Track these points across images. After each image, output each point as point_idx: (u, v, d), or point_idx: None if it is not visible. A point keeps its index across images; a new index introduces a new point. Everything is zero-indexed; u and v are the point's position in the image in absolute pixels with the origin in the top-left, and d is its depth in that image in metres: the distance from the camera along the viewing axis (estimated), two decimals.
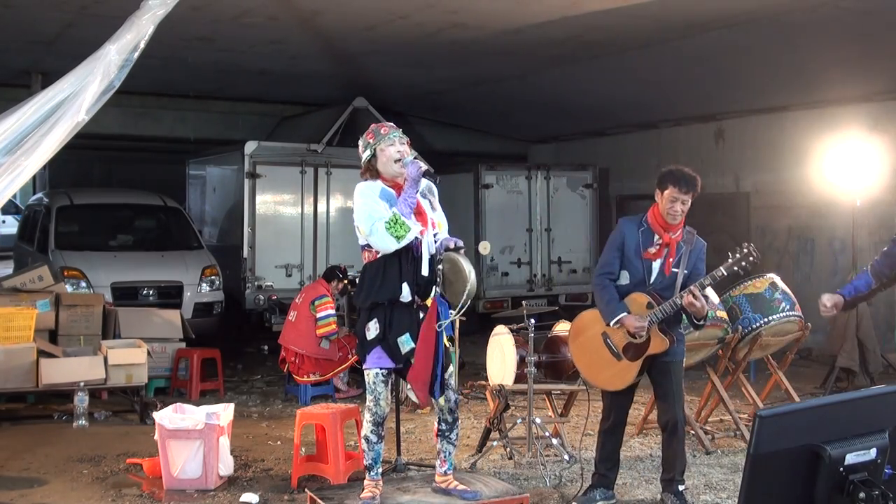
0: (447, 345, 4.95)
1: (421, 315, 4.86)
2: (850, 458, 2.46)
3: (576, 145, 15.42)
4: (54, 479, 6.09)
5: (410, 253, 4.81)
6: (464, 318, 5.20)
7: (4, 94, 10.49)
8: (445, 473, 5.11)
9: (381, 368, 4.88)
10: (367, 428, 4.95)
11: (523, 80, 11.58)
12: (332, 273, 9.14)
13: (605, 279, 5.23)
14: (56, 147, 4.87)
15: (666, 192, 5.09)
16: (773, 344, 7.13)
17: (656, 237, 5.15)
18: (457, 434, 5.11)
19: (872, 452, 2.49)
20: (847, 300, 5.07)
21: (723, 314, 6.78)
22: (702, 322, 5.18)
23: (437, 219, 4.98)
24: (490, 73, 11.28)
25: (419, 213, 4.85)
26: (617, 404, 5.38)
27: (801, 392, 8.13)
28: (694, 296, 4.94)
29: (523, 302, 7.33)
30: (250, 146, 11.55)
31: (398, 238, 4.71)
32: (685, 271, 5.11)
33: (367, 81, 12.18)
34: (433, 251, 4.87)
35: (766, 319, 6.89)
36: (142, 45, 5.01)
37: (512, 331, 6.81)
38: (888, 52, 8.93)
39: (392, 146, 4.87)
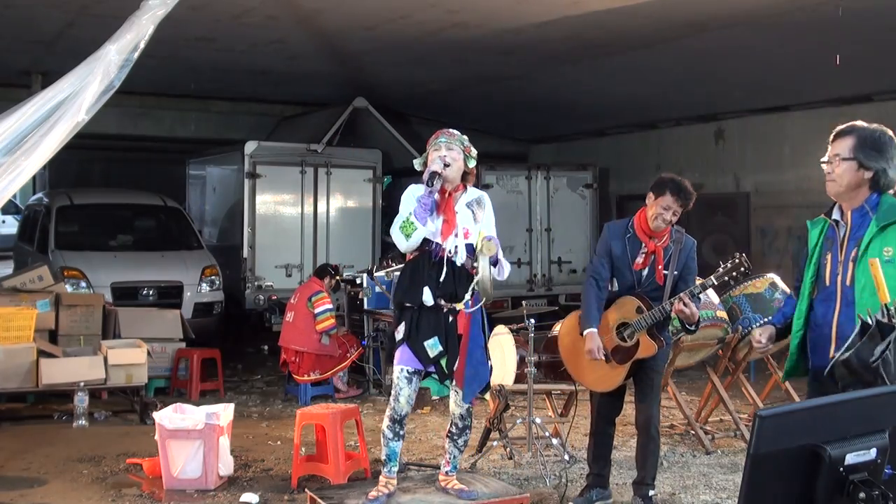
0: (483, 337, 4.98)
1: (451, 318, 4.87)
2: (850, 458, 2.46)
3: (576, 145, 15.42)
4: (54, 479, 6.09)
5: (430, 257, 4.83)
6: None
7: (4, 94, 10.48)
8: (447, 474, 5.13)
9: (406, 366, 4.89)
10: (384, 423, 4.95)
11: (523, 80, 11.58)
12: (324, 270, 9.16)
13: (591, 281, 5.19)
14: (56, 147, 4.86)
15: (661, 197, 5.03)
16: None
17: (642, 245, 5.12)
18: (465, 441, 5.11)
19: (872, 452, 2.49)
20: (779, 328, 4.32)
21: (723, 314, 6.78)
22: (693, 327, 5.16)
23: (473, 229, 4.90)
24: (490, 73, 11.28)
25: (446, 221, 4.86)
26: (604, 407, 5.39)
27: (801, 392, 8.12)
28: (684, 303, 4.92)
29: (523, 302, 7.35)
30: (250, 146, 11.55)
31: (406, 236, 4.77)
32: (675, 272, 5.10)
33: (367, 81, 12.17)
34: (460, 261, 4.86)
35: (766, 319, 6.88)
36: (142, 45, 5.00)
37: (512, 331, 6.82)
38: (888, 52, 8.93)
39: (437, 151, 4.90)
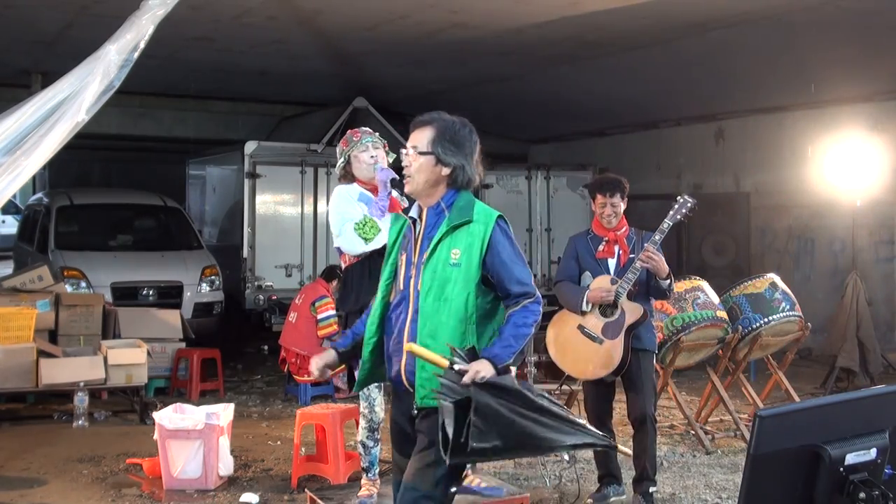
0: None
1: None
2: (850, 458, 2.46)
3: (576, 145, 15.41)
4: (54, 479, 6.09)
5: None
6: None
7: (4, 94, 10.48)
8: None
9: None
10: (362, 434, 4.97)
11: (523, 80, 11.58)
12: (332, 272, 9.14)
13: (562, 280, 5.48)
14: (56, 147, 4.86)
15: (596, 200, 5.39)
16: (773, 344, 7.13)
17: (603, 239, 5.37)
18: None
19: (872, 452, 2.49)
20: (341, 351, 3.72)
21: (723, 314, 6.78)
22: (667, 281, 5.23)
23: None
24: (490, 73, 11.28)
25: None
26: (595, 408, 5.46)
27: (801, 392, 8.12)
28: (650, 254, 5.08)
29: None
30: (250, 146, 11.54)
31: (366, 240, 4.74)
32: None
33: (367, 81, 12.17)
34: None
35: (766, 319, 6.89)
36: (142, 45, 5.00)
37: None
38: (888, 52, 8.93)
39: (365, 152, 4.95)
